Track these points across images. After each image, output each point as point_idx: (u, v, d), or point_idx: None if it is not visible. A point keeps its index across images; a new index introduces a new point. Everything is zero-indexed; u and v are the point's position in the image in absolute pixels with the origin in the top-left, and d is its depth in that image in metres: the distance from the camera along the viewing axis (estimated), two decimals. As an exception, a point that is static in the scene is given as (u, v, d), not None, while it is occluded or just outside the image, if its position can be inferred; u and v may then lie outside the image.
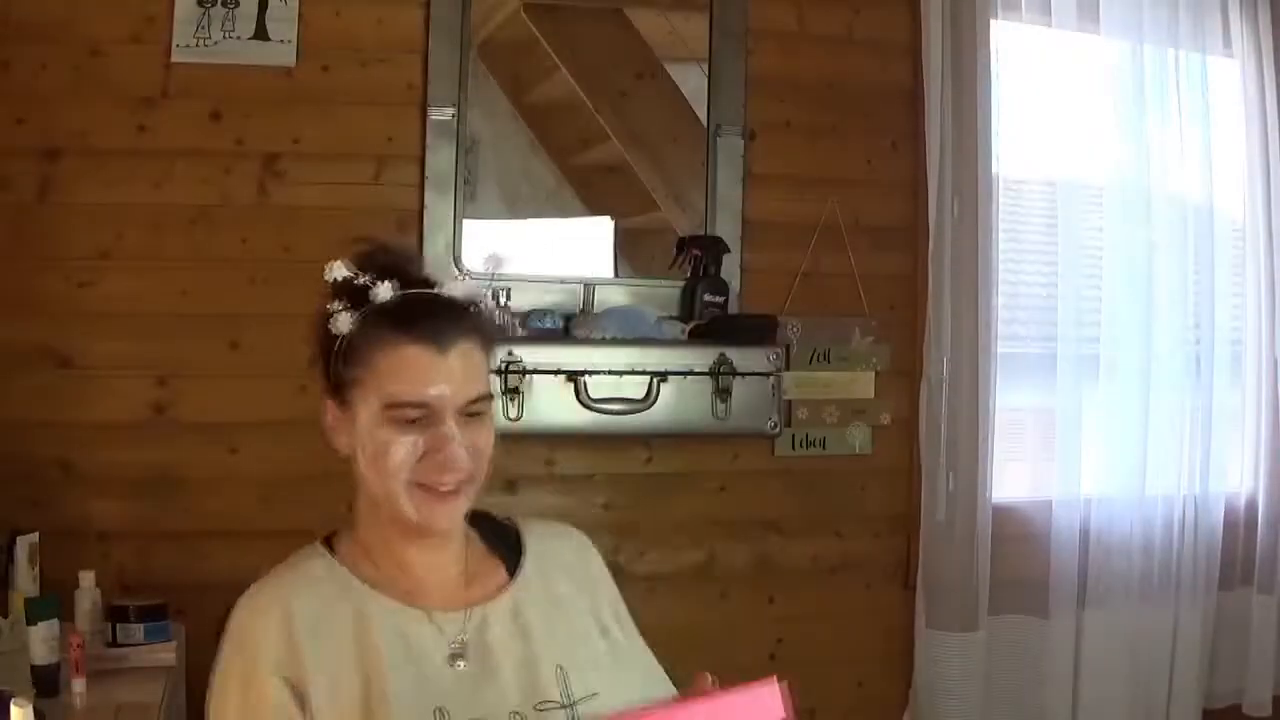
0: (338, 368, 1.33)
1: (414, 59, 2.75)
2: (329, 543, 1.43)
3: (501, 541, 1.46)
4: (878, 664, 3.09)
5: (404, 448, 1.29)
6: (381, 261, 1.35)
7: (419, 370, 1.28)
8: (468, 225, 2.76)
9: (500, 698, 1.29)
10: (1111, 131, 3.17)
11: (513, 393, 2.59)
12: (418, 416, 1.29)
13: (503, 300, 2.67)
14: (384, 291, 1.30)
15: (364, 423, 1.31)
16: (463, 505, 1.34)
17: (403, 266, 1.36)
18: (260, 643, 1.26)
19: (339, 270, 1.34)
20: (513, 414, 2.59)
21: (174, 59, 2.62)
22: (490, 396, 1.35)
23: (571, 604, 1.42)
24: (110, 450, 2.60)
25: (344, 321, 1.31)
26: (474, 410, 1.31)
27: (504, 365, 2.56)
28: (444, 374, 1.29)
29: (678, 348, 2.76)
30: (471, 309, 1.36)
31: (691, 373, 2.74)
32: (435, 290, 1.35)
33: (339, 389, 1.34)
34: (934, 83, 2.99)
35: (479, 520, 1.45)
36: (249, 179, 2.68)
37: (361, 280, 1.32)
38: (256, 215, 2.68)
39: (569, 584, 1.44)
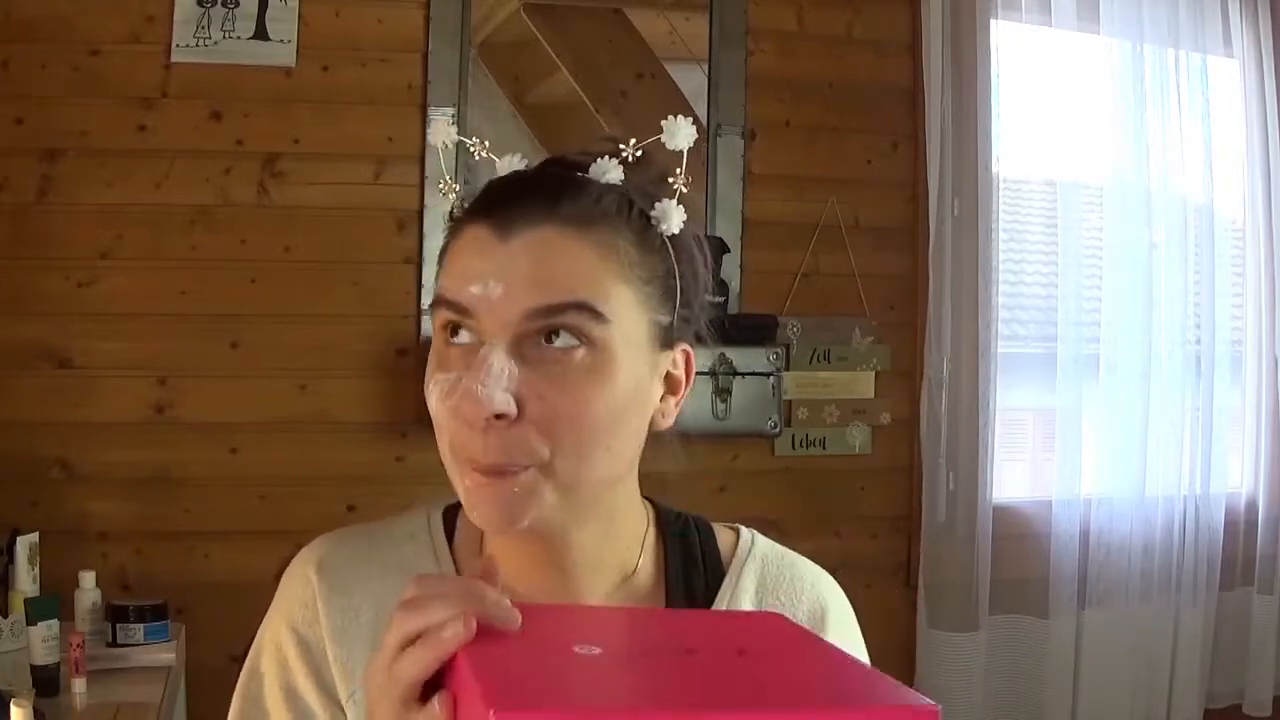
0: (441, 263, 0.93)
1: (414, 59, 2.76)
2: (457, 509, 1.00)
3: (691, 575, 1.00)
4: (878, 664, 3.03)
5: (438, 390, 0.87)
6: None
7: (466, 258, 0.87)
8: (468, 225, 2.76)
9: None
10: (1111, 131, 3.17)
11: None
12: (456, 323, 0.86)
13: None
14: (506, 164, 0.93)
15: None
16: (538, 496, 0.86)
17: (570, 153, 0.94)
18: (286, 589, 0.98)
19: (445, 133, 0.96)
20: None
21: (174, 59, 2.62)
22: (594, 312, 0.84)
23: None
24: (110, 450, 2.60)
25: (452, 200, 0.94)
26: (553, 326, 0.84)
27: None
28: (496, 264, 0.84)
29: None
30: (600, 191, 0.89)
31: (691, 373, 2.74)
32: (562, 160, 0.92)
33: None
34: (934, 83, 2.99)
35: (668, 531, 1.02)
36: (249, 179, 2.68)
37: (484, 151, 0.94)
38: (256, 215, 2.68)
39: None
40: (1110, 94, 3.18)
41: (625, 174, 0.90)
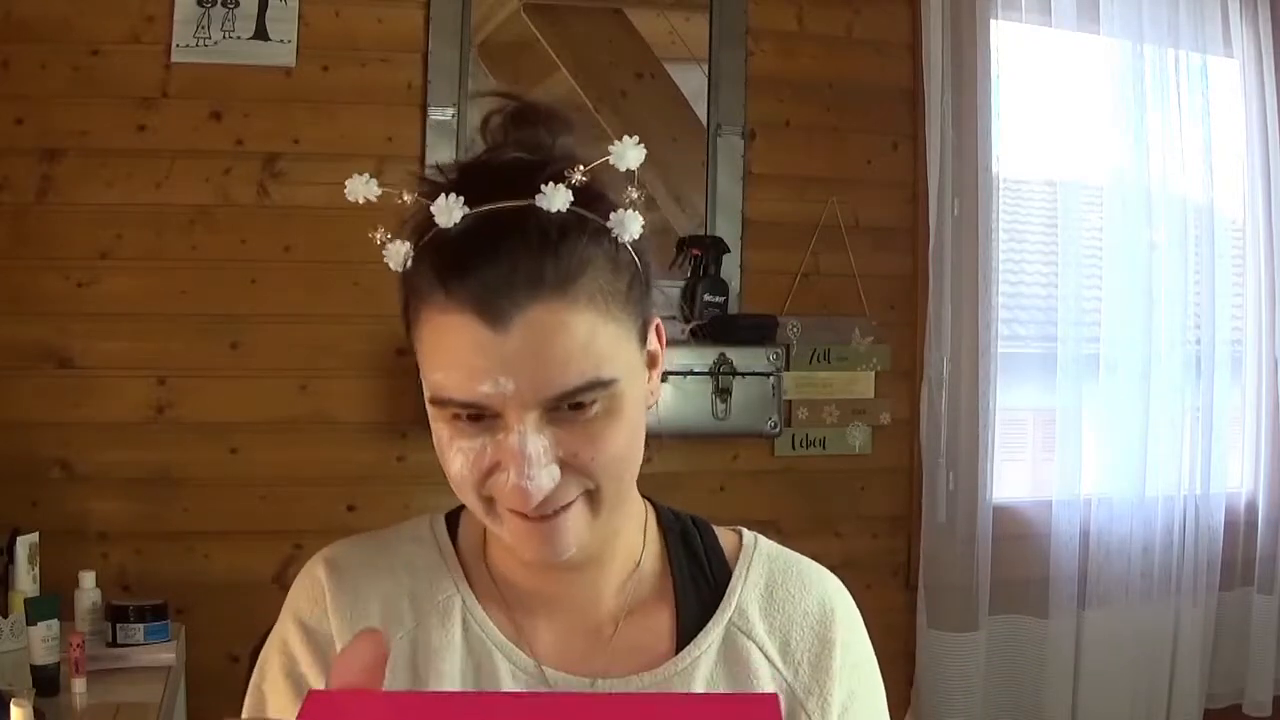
0: (407, 318, 0.92)
1: (414, 59, 2.76)
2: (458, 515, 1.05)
3: (695, 569, 1.01)
4: (879, 663, 3.08)
5: (462, 457, 0.88)
6: (488, 144, 0.91)
7: (461, 355, 0.85)
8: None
9: None
10: (1111, 131, 3.17)
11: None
12: (473, 415, 0.87)
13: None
14: (443, 213, 0.85)
15: (428, 408, 0.91)
16: (584, 523, 0.89)
17: (497, 162, 0.90)
18: (296, 590, 1.01)
19: (361, 189, 0.91)
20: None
21: (174, 59, 2.62)
22: (606, 383, 0.86)
23: None
24: (110, 450, 2.60)
25: (395, 255, 0.89)
26: (578, 401, 0.86)
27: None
28: (499, 360, 0.84)
29: (678, 347, 2.76)
30: (586, 232, 0.86)
31: (691, 372, 2.74)
32: (521, 203, 0.85)
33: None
34: (934, 83, 2.99)
35: (668, 526, 1.04)
36: (249, 179, 2.68)
37: (408, 199, 0.88)
38: (256, 215, 2.68)
39: (782, 677, 0.98)
40: (1110, 94, 3.18)
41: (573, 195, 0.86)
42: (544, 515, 0.87)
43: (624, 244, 0.88)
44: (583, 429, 0.86)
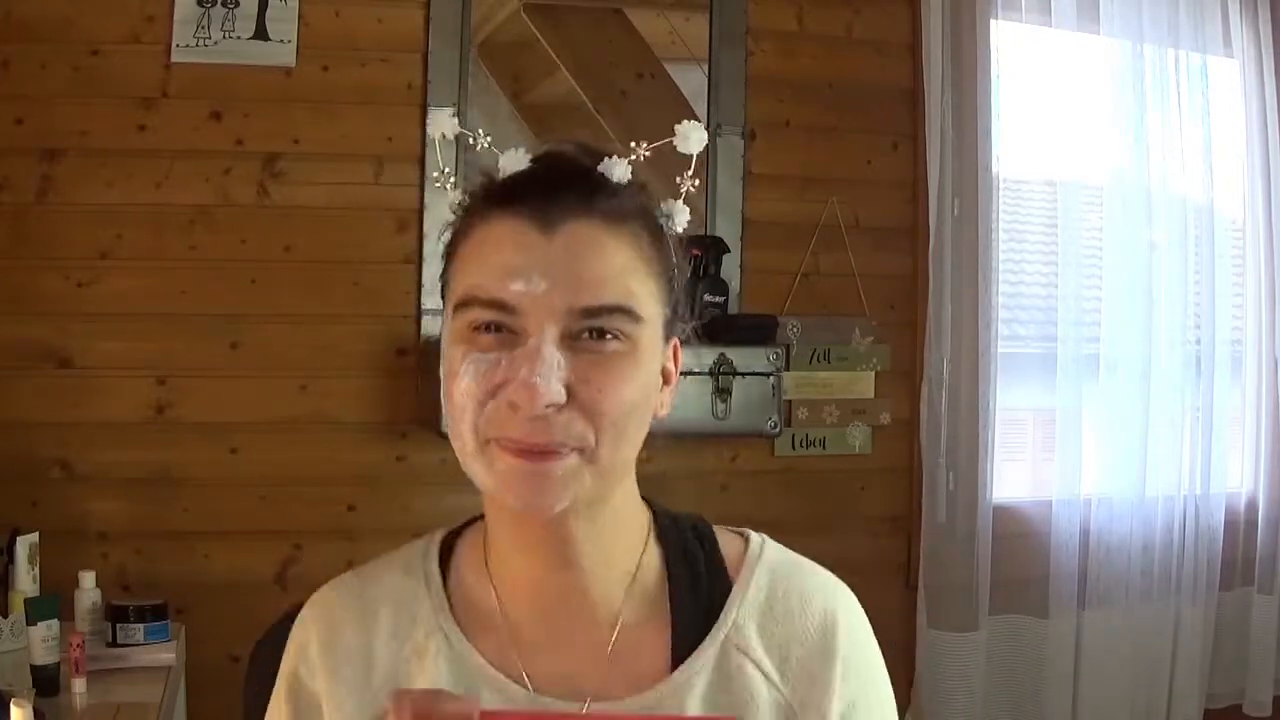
0: (445, 273, 0.94)
1: (414, 59, 2.75)
2: (455, 537, 1.04)
3: (694, 582, 0.98)
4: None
5: (473, 369, 0.86)
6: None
7: (502, 250, 0.86)
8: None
9: None
10: (1111, 131, 3.17)
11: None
12: (495, 322, 0.86)
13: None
14: (510, 160, 0.92)
15: (444, 345, 0.91)
16: (576, 478, 0.87)
17: (566, 146, 0.96)
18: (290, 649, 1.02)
19: (446, 125, 0.96)
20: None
21: (174, 59, 2.62)
22: (633, 315, 0.88)
23: None
24: (110, 450, 2.60)
25: (450, 203, 0.94)
26: (600, 327, 0.86)
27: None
28: (540, 259, 0.85)
29: (678, 348, 2.76)
30: (636, 194, 0.93)
31: (691, 373, 2.74)
32: (575, 156, 0.93)
33: (445, 310, 0.94)
34: (934, 83, 2.99)
35: (668, 537, 1.00)
36: (249, 179, 2.68)
37: (485, 142, 0.94)
38: (256, 215, 2.68)
39: (780, 693, 0.95)
40: (1110, 94, 3.18)
41: (632, 173, 0.93)
42: (538, 449, 0.85)
43: (669, 234, 0.93)
44: (598, 361, 0.86)
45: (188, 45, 2.62)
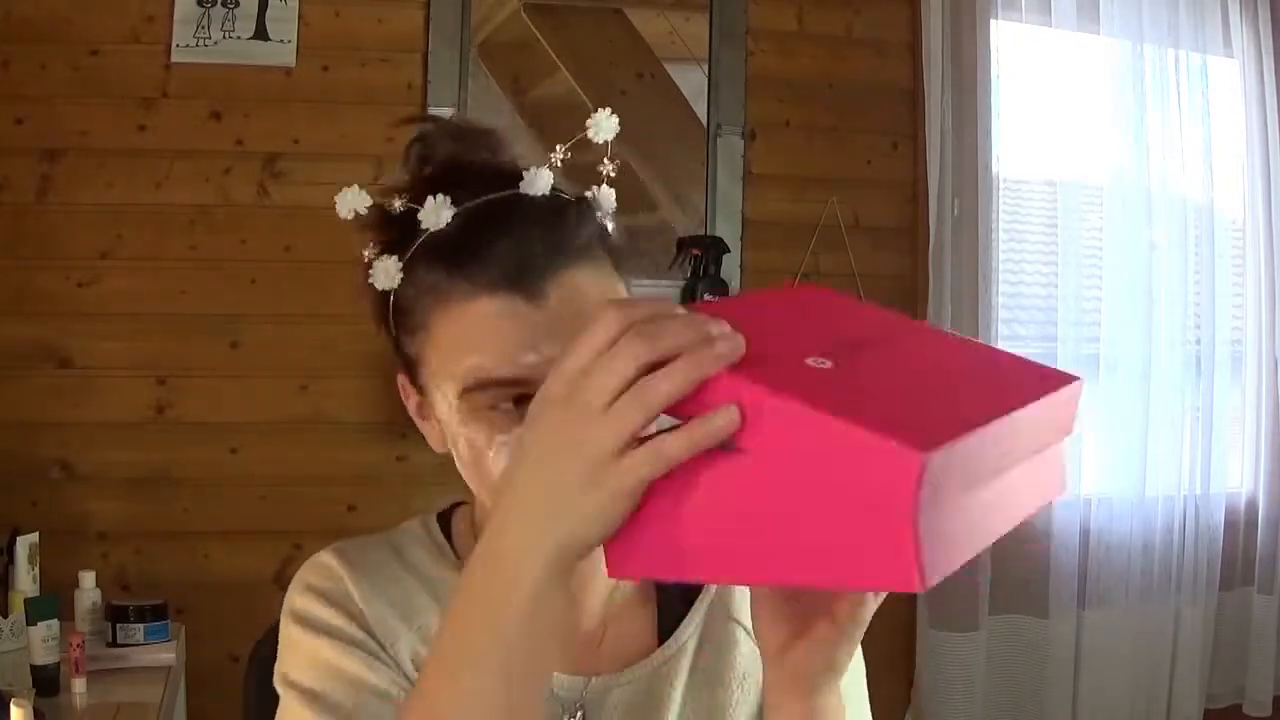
0: (399, 337, 0.92)
1: (414, 59, 2.76)
2: (447, 517, 1.03)
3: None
4: (879, 663, 3.05)
5: (507, 450, 0.85)
6: (438, 157, 0.91)
7: (499, 330, 0.84)
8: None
9: None
10: (1111, 131, 3.17)
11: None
12: (517, 397, 0.84)
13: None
14: (431, 215, 0.86)
15: (445, 418, 0.89)
16: None
17: (463, 162, 0.90)
18: (300, 582, 0.96)
19: (353, 200, 0.90)
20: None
21: (174, 59, 2.63)
22: None
23: (744, 703, 0.97)
24: (110, 450, 2.60)
25: (384, 272, 0.90)
26: None
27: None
28: (540, 325, 0.84)
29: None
30: (578, 207, 0.89)
31: (691, 373, 2.74)
32: (514, 190, 0.87)
33: (408, 366, 0.92)
34: (934, 83, 2.99)
35: None
36: (249, 179, 2.68)
37: (398, 205, 0.88)
38: (256, 215, 2.68)
39: (754, 666, 0.94)
40: (1110, 94, 3.18)
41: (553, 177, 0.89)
42: None
43: (608, 222, 0.90)
44: None
45: (188, 45, 2.62)
